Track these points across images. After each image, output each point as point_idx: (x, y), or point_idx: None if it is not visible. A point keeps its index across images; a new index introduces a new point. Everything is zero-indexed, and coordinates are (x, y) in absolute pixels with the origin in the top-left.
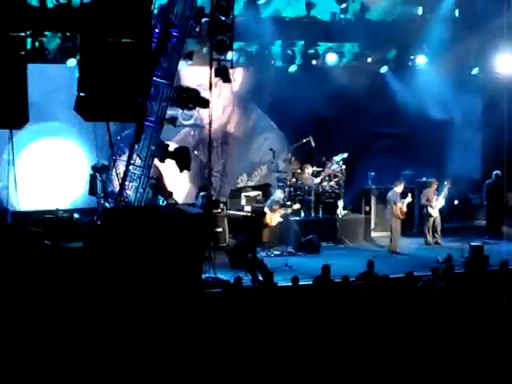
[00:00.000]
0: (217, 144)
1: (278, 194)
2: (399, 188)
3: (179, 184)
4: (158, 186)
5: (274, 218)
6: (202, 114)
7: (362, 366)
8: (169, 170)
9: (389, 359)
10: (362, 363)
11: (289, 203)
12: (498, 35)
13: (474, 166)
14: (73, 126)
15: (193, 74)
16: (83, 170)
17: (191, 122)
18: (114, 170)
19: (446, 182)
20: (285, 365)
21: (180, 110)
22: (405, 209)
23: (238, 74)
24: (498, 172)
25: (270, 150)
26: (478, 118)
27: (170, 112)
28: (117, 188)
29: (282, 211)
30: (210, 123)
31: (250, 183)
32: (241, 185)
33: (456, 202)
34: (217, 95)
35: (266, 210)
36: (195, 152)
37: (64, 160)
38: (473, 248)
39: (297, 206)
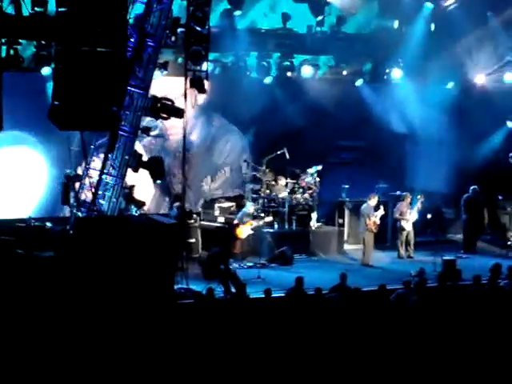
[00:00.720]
0: (179, 154)
1: (249, 207)
2: (373, 201)
3: (144, 193)
4: (130, 195)
5: (243, 231)
6: (166, 124)
7: (331, 379)
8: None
9: (358, 371)
10: (331, 375)
11: (262, 215)
12: (473, 49)
13: (445, 180)
14: (39, 135)
15: (166, 84)
16: (49, 179)
17: (156, 132)
18: (87, 179)
19: (419, 196)
20: (255, 376)
21: (146, 120)
22: (378, 222)
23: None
24: (476, 187)
25: (245, 161)
26: (451, 132)
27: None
28: (89, 197)
29: (254, 223)
30: (184, 133)
31: (214, 185)
32: (205, 188)
33: (429, 216)
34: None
35: (236, 222)
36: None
37: (29, 169)
38: (445, 262)
39: (269, 219)
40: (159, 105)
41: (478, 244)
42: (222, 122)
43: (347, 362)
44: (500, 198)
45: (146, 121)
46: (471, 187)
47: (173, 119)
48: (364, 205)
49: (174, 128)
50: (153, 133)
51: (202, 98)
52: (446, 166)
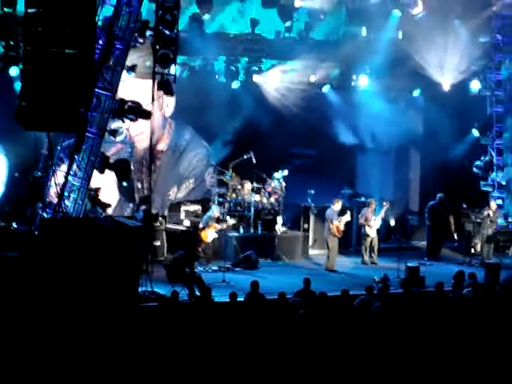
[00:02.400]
0: (145, 162)
1: (214, 210)
2: (337, 206)
3: (108, 197)
4: (96, 197)
5: (208, 234)
6: (130, 131)
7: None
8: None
9: (321, 376)
10: (294, 379)
11: (228, 218)
12: (440, 57)
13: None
14: (3, 135)
15: (134, 87)
16: (11, 180)
17: (121, 137)
18: (53, 180)
19: (384, 203)
20: (218, 380)
21: (111, 127)
22: (342, 227)
23: (170, 101)
24: (442, 195)
25: (211, 165)
26: (416, 140)
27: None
28: (55, 198)
29: (218, 227)
30: (151, 136)
31: (180, 195)
32: (172, 197)
33: (393, 223)
34: (159, 108)
35: (201, 225)
36: None
37: None
38: (409, 268)
39: (232, 221)
40: (126, 107)
41: (442, 251)
42: (192, 136)
43: (310, 366)
44: (464, 206)
45: (113, 127)
46: (438, 195)
47: (141, 126)
48: (328, 210)
49: (141, 134)
50: (118, 138)
51: (172, 103)
52: (411, 174)
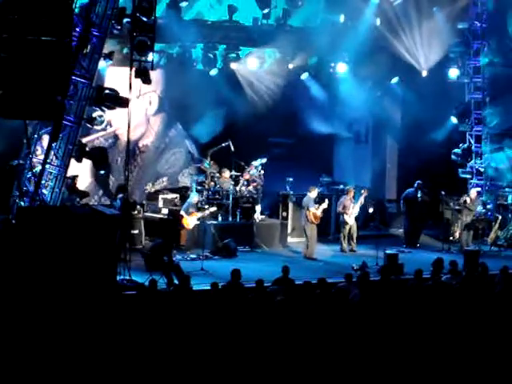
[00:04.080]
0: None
1: (194, 198)
2: (313, 193)
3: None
4: (73, 185)
5: (190, 222)
6: (112, 121)
7: (274, 371)
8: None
9: (301, 363)
10: (274, 367)
11: (206, 207)
12: (418, 44)
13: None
14: None
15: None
16: None
17: (102, 127)
18: (30, 168)
19: (362, 191)
20: (197, 367)
21: (93, 116)
22: (319, 214)
23: (154, 98)
24: (419, 182)
25: (189, 153)
26: (394, 127)
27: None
28: (32, 187)
29: (199, 214)
30: (129, 124)
31: (153, 190)
32: (147, 191)
33: (371, 211)
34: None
35: (183, 213)
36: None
37: None
38: (388, 256)
39: (213, 209)
40: (104, 95)
41: (421, 238)
42: (177, 133)
43: (288, 354)
44: (443, 193)
45: (95, 115)
46: (416, 182)
47: (124, 118)
48: (305, 197)
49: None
50: (98, 127)
51: (155, 101)
52: (389, 162)
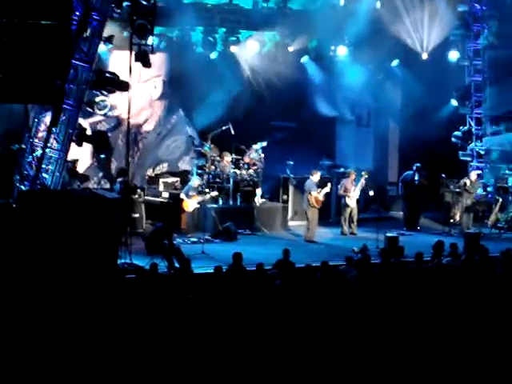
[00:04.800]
0: (131, 137)
1: (195, 181)
2: (315, 177)
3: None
4: (74, 169)
5: (190, 205)
6: (117, 106)
7: (272, 355)
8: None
9: (300, 348)
10: (273, 352)
11: (207, 190)
12: (418, 27)
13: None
14: None
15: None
16: None
17: (104, 111)
18: (30, 152)
19: (363, 173)
20: (198, 351)
21: (96, 100)
22: (321, 198)
23: (158, 83)
24: (418, 164)
25: (190, 137)
26: (395, 110)
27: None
28: (33, 171)
29: (199, 198)
30: (129, 109)
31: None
32: (147, 176)
33: (371, 193)
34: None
35: (183, 196)
36: (109, 135)
37: None
38: (388, 239)
39: (214, 193)
40: (104, 78)
41: (421, 221)
42: (178, 120)
43: (288, 337)
44: (443, 176)
45: (98, 100)
46: (415, 164)
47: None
48: (307, 181)
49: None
50: (101, 112)
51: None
52: (390, 145)
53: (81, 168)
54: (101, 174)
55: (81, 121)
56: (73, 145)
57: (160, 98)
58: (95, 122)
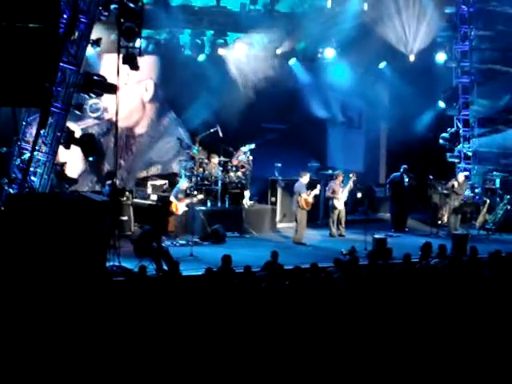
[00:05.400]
0: (123, 139)
1: (183, 184)
2: (305, 179)
3: (76, 170)
4: (62, 172)
5: (179, 207)
6: (108, 108)
7: (260, 356)
8: (66, 156)
9: (287, 350)
10: (261, 353)
11: (195, 193)
12: (405, 29)
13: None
14: None
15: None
16: None
17: (97, 114)
18: (18, 155)
19: (351, 175)
20: (187, 354)
21: (89, 103)
22: (310, 200)
23: (149, 85)
24: (405, 166)
25: (178, 139)
26: (382, 112)
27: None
28: (21, 174)
29: (188, 200)
30: (117, 110)
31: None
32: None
33: (359, 195)
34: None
35: (172, 198)
36: (101, 139)
37: None
38: (376, 240)
39: (201, 196)
40: (91, 81)
41: (409, 223)
42: (170, 122)
43: (277, 339)
44: (431, 177)
45: (89, 105)
46: (402, 166)
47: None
48: (297, 183)
49: (120, 113)
50: (94, 115)
51: (151, 87)
52: (377, 146)
53: (74, 172)
54: (95, 178)
55: (72, 125)
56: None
57: (151, 100)
58: (87, 125)
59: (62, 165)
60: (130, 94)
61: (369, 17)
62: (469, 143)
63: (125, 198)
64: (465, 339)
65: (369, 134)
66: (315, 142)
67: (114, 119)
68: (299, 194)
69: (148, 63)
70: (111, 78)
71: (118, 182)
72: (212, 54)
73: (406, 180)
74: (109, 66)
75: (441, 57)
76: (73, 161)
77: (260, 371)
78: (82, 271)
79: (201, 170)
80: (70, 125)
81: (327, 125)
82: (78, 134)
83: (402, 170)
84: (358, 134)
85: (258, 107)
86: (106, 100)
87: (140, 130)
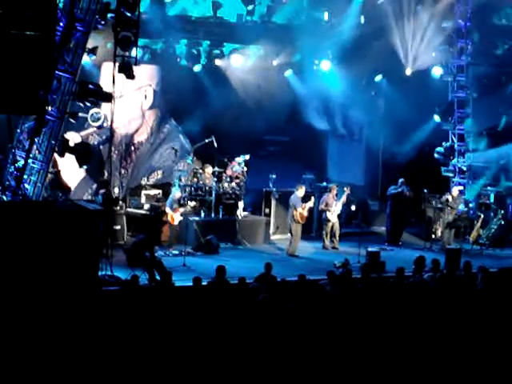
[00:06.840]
0: (122, 147)
1: (176, 193)
2: (300, 192)
3: (76, 178)
4: (56, 180)
5: (175, 217)
6: (108, 117)
7: (253, 368)
8: (66, 164)
9: (282, 361)
10: (254, 364)
11: (188, 202)
12: (402, 42)
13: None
14: None
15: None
16: None
17: (98, 123)
18: (12, 163)
19: (345, 188)
20: (179, 363)
21: (90, 112)
22: (305, 213)
23: (149, 92)
24: (403, 180)
25: (173, 149)
26: (377, 125)
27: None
28: (15, 182)
29: (181, 210)
30: (112, 119)
31: (148, 183)
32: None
33: (353, 208)
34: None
35: (167, 209)
36: (101, 147)
37: None
38: (369, 254)
39: (193, 204)
40: (87, 89)
41: (402, 236)
42: (171, 128)
43: (270, 351)
44: (425, 191)
45: (90, 114)
46: (399, 180)
47: (118, 113)
48: (292, 196)
49: (119, 121)
50: (95, 124)
51: (151, 95)
52: (372, 160)
53: (74, 180)
54: (94, 186)
55: (74, 134)
56: (67, 157)
57: (151, 107)
58: (87, 134)
59: (56, 173)
60: (129, 102)
61: (365, 30)
62: (463, 157)
63: (118, 207)
64: (458, 352)
65: (369, 146)
66: (314, 154)
67: (113, 128)
68: (295, 208)
69: (148, 71)
70: (112, 87)
71: (117, 190)
72: (208, 64)
73: (407, 192)
74: (108, 74)
75: (437, 71)
76: (72, 168)
77: (253, 382)
78: (74, 280)
79: (195, 180)
80: (71, 134)
81: (326, 137)
82: (70, 142)
83: (400, 182)
84: (360, 146)
85: (253, 118)
86: (107, 109)
87: (140, 138)
